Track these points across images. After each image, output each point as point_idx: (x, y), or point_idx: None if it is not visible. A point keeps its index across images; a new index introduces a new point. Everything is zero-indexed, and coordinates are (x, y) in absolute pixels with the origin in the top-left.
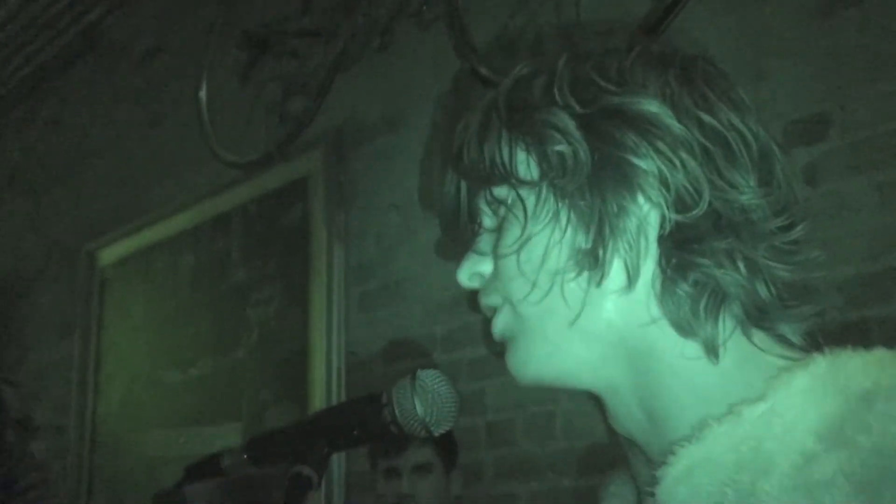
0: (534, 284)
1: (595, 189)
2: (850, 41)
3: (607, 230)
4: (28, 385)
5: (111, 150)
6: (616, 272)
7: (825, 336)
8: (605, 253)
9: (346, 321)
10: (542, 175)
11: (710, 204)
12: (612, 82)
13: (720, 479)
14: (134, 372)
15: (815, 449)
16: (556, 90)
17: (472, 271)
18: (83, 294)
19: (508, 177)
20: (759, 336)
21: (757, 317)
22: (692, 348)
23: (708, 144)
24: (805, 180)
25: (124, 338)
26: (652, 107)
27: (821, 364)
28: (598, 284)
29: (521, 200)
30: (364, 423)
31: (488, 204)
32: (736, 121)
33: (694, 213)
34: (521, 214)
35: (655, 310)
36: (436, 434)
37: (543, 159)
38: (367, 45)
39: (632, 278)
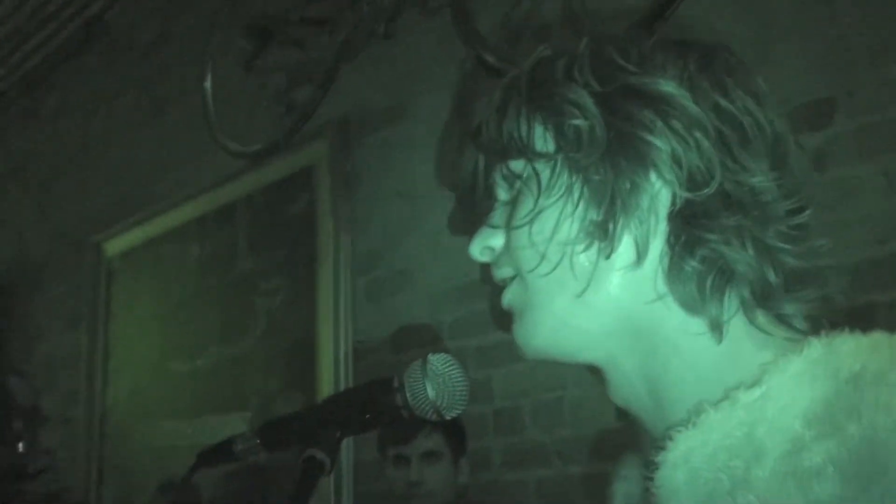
0: (543, 256)
1: (609, 164)
2: (856, 26)
3: (619, 205)
4: (36, 376)
5: (116, 141)
6: (625, 247)
7: (831, 321)
8: (615, 227)
9: (353, 310)
10: (558, 149)
11: (721, 184)
12: (631, 63)
13: (716, 465)
14: (142, 362)
15: (804, 434)
16: (576, 69)
17: (484, 244)
18: (90, 285)
19: (525, 150)
20: (762, 317)
21: (762, 298)
22: (696, 326)
23: (722, 127)
24: (812, 165)
25: (132, 328)
26: (669, 87)
27: (816, 348)
28: (607, 258)
29: (536, 173)
30: (376, 407)
31: (504, 178)
32: (752, 106)
33: (705, 191)
34: (535, 187)
35: (662, 286)
36: (447, 418)
37: (560, 133)
38: (372, 34)
39: (640, 254)
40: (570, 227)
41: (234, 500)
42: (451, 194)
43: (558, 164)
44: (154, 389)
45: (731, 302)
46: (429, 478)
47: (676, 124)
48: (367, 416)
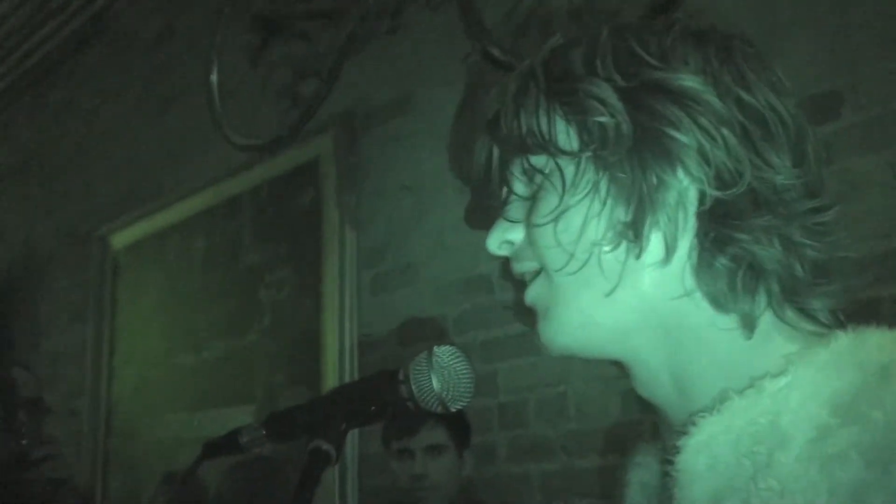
0: (571, 255)
1: (636, 162)
2: (862, 18)
3: (647, 203)
4: (42, 369)
5: (122, 135)
6: (654, 245)
7: (839, 314)
8: (644, 226)
9: (358, 303)
10: (582, 145)
11: (748, 182)
12: (654, 57)
13: (739, 450)
14: (147, 355)
15: (830, 422)
16: (598, 62)
17: (503, 239)
18: (96, 278)
19: (547, 145)
20: (789, 312)
21: (790, 293)
22: (725, 321)
23: (746, 123)
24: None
25: (137, 321)
26: (694, 83)
27: (842, 340)
28: (637, 257)
29: (560, 170)
30: (381, 398)
31: (523, 172)
32: (774, 100)
33: (733, 189)
34: (559, 184)
35: (690, 283)
36: (452, 410)
37: (584, 130)
38: (378, 28)
39: (669, 251)
40: (598, 226)
41: (240, 492)
42: (457, 188)
43: (583, 161)
44: (159, 382)
45: (760, 297)
46: (433, 471)
47: (703, 120)
48: (373, 407)
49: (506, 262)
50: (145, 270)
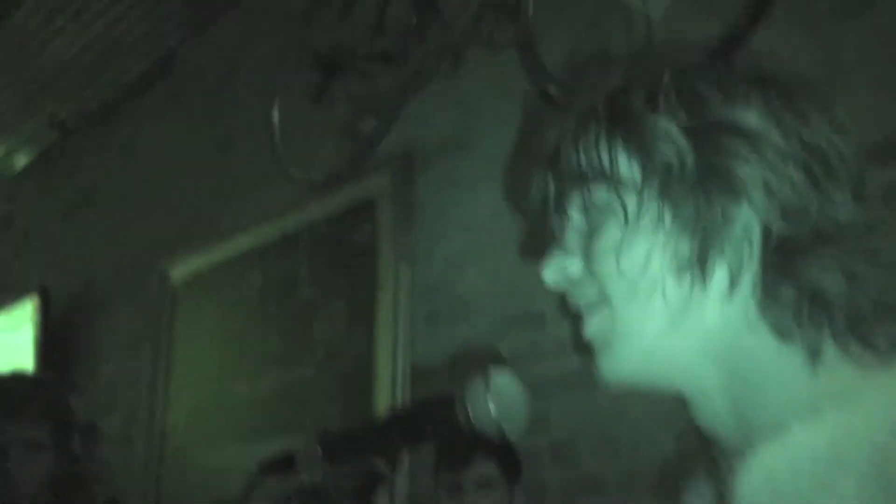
0: (636, 287)
1: (701, 195)
2: None
3: (713, 235)
4: (100, 397)
5: (184, 171)
6: (719, 277)
7: None
8: (709, 258)
9: (411, 339)
10: (646, 178)
11: (812, 216)
12: (716, 96)
13: (799, 478)
14: (202, 385)
15: (893, 446)
16: (661, 100)
17: (560, 270)
18: (154, 309)
19: (610, 177)
20: (853, 345)
21: (854, 326)
22: (789, 353)
23: (809, 159)
24: (884, 202)
25: (193, 352)
26: (757, 119)
27: None
28: (702, 289)
29: (623, 202)
30: (437, 421)
31: (582, 204)
32: (835, 139)
33: (797, 223)
34: (622, 215)
35: (754, 315)
36: (508, 435)
37: (648, 163)
38: (438, 68)
39: (734, 284)
40: (663, 259)
41: None
42: (512, 225)
43: (646, 194)
44: (214, 412)
45: (825, 329)
46: None
47: (767, 155)
48: (428, 430)
49: (562, 296)
50: (203, 303)
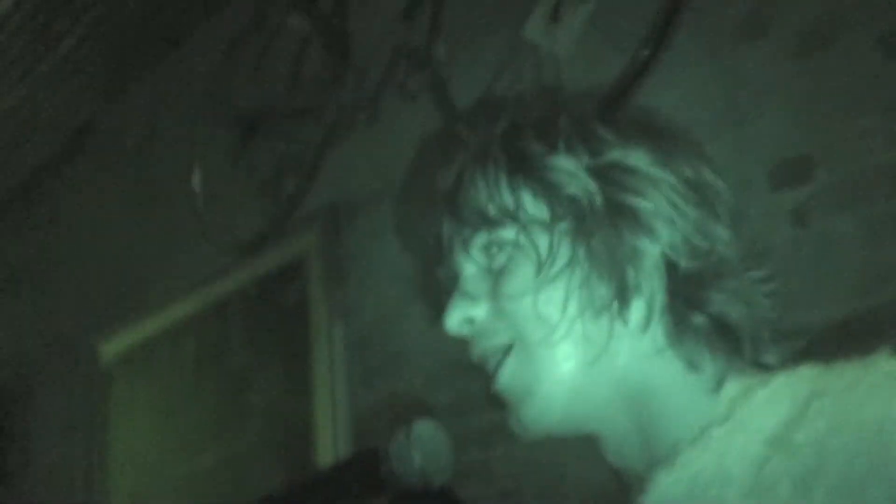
0: (553, 328)
1: (611, 232)
2: (828, 81)
3: (628, 272)
4: (35, 487)
5: (109, 243)
6: (635, 311)
7: None
8: (626, 294)
9: (350, 397)
10: (555, 218)
11: (715, 248)
12: (614, 136)
13: (692, 497)
14: (141, 468)
15: (766, 454)
16: (561, 141)
17: (464, 316)
18: (87, 390)
19: (517, 219)
20: (750, 367)
21: (754, 352)
22: (694, 380)
23: (695, 197)
24: (793, 222)
25: (129, 432)
26: (651, 160)
27: (779, 378)
28: (623, 324)
29: (534, 242)
30: (363, 477)
31: (485, 246)
32: (711, 176)
33: (700, 257)
34: (533, 255)
35: (662, 343)
36: (435, 486)
37: (556, 203)
38: (356, 120)
39: (649, 317)
40: (581, 298)
41: None
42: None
43: (556, 233)
44: (154, 495)
45: (731, 356)
46: None
47: (664, 192)
48: (354, 487)
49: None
50: (136, 378)
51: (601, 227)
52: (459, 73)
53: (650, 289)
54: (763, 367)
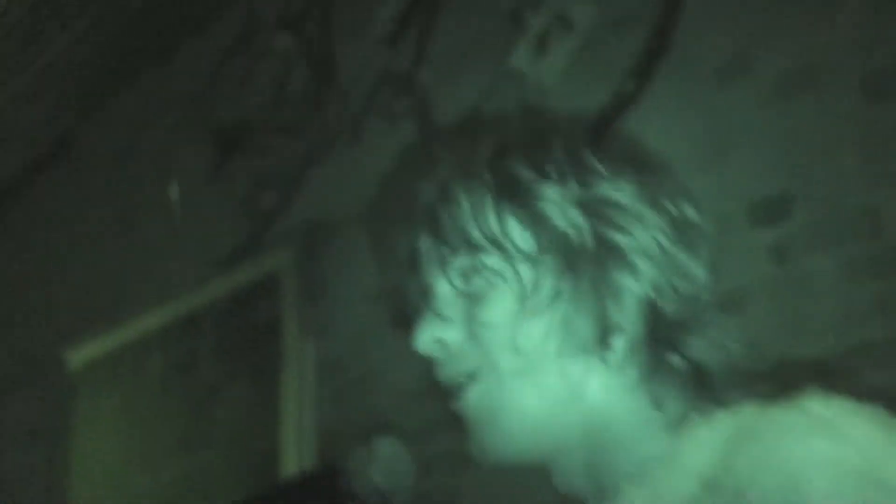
0: (529, 361)
1: (597, 270)
2: (808, 122)
3: (611, 311)
4: None
5: (82, 254)
6: (613, 352)
7: None
8: (608, 334)
9: (318, 417)
10: (541, 250)
11: (693, 291)
12: (602, 167)
13: None
14: (104, 479)
15: (699, 496)
16: (552, 170)
17: (435, 337)
18: (52, 399)
19: (501, 247)
20: (713, 409)
21: (722, 391)
22: (655, 418)
23: (679, 236)
24: (772, 259)
25: (94, 443)
26: (638, 195)
27: (720, 417)
28: (600, 363)
29: (517, 272)
30: (321, 494)
31: (466, 269)
32: (693, 214)
33: (680, 297)
34: (516, 287)
35: (634, 383)
36: (394, 502)
37: (543, 235)
38: (337, 140)
39: (626, 357)
40: (561, 333)
41: None
42: None
43: (542, 266)
44: None
45: (698, 396)
46: None
47: (652, 232)
48: (314, 502)
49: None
50: (103, 389)
51: (587, 264)
52: (443, 98)
53: (631, 328)
54: (723, 407)
